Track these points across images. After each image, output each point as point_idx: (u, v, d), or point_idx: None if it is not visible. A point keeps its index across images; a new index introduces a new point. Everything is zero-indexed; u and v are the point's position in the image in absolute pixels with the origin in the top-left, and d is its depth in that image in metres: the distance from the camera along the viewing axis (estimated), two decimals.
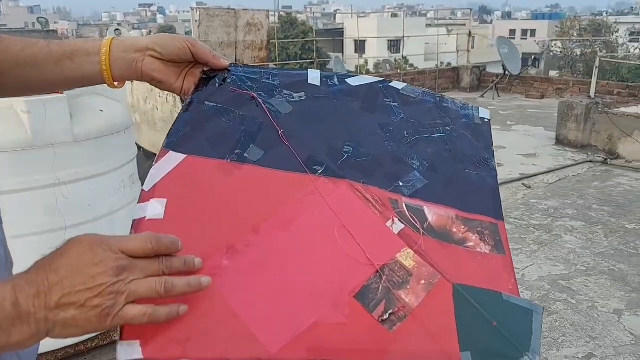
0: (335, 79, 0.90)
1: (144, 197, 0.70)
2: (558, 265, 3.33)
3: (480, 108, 0.96)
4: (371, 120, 0.88)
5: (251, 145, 0.78)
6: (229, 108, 0.81)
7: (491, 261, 0.76)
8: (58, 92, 1.94)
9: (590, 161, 5.57)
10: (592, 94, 6.11)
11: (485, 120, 0.94)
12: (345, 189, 0.78)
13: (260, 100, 0.82)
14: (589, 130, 5.92)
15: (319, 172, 0.78)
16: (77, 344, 2.26)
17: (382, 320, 0.67)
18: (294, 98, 0.86)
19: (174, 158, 0.75)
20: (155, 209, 0.69)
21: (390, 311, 0.68)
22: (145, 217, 0.68)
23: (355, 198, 0.77)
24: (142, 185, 0.72)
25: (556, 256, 3.47)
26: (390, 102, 0.91)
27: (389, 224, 0.75)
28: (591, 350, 2.50)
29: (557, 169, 5.34)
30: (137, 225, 0.68)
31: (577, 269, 3.28)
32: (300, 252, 0.71)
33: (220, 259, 0.68)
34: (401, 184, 0.81)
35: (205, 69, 0.83)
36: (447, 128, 0.91)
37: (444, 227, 0.78)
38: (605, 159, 5.54)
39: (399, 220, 0.76)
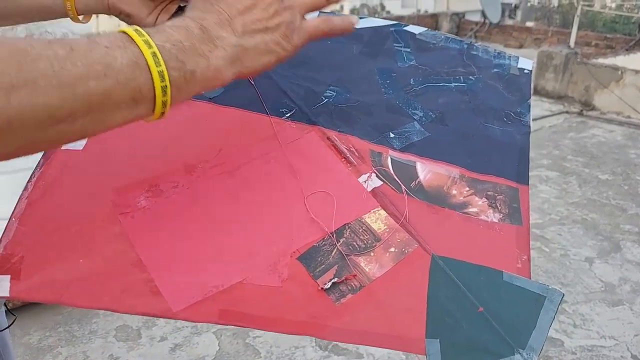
0: None
1: None
2: (532, 214, 3.37)
3: (520, 58, 0.82)
4: (369, 65, 0.78)
5: None
6: None
7: (499, 232, 0.63)
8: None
9: (567, 112, 5.60)
10: (571, 44, 6.06)
11: (525, 71, 0.81)
12: (314, 137, 0.68)
13: None
14: (567, 80, 5.92)
15: (286, 115, 0.70)
16: None
17: (326, 289, 0.56)
18: None
19: None
20: None
21: (340, 279, 0.57)
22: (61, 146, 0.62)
23: (324, 147, 0.68)
24: None
25: (531, 205, 3.48)
26: (400, 47, 0.80)
27: (362, 179, 0.65)
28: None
29: (534, 120, 5.35)
30: (48, 155, 0.63)
31: (551, 218, 3.33)
32: (241, 202, 0.63)
33: (136, 197, 0.60)
34: (392, 135, 0.71)
35: (182, 4, 0.76)
36: (469, 77, 0.78)
37: (439, 187, 0.66)
38: (581, 110, 5.57)
39: (377, 177, 0.65)
